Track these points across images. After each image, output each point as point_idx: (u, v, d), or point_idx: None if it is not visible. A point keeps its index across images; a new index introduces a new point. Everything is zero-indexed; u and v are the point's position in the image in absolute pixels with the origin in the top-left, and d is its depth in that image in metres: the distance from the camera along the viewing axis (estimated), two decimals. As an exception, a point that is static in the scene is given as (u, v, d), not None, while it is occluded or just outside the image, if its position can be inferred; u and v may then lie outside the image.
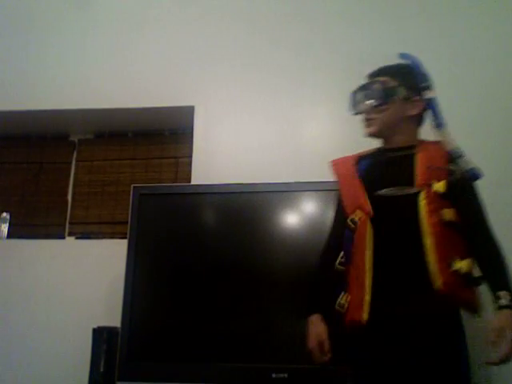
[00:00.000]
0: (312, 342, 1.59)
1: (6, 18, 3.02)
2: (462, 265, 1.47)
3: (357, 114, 1.72)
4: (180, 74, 2.77)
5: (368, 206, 1.59)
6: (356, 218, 1.60)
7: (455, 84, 2.50)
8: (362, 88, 1.69)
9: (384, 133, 1.69)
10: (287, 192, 2.12)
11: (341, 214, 1.68)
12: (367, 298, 1.51)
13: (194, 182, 2.57)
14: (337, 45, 2.69)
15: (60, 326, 2.52)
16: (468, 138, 2.37)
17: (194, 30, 2.84)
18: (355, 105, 1.71)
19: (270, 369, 1.94)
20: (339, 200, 1.72)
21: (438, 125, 1.68)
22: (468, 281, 1.49)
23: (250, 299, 2.09)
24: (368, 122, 1.69)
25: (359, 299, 1.53)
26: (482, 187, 2.24)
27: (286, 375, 1.92)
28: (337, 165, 1.78)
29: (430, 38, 2.63)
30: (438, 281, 1.45)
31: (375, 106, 1.66)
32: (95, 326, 2.15)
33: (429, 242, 1.49)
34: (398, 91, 1.65)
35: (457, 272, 1.46)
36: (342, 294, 1.59)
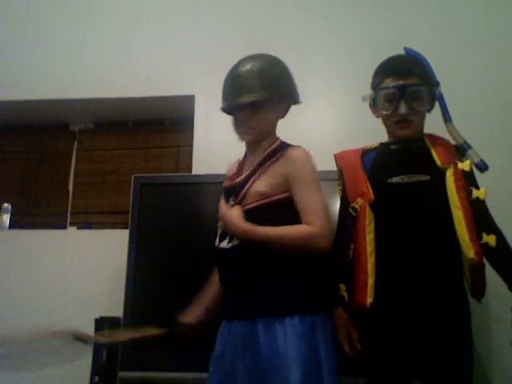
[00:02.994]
0: (341, 336, 1.60)
1: (5, 8, 3.00)
2: (489, 239, 1.52)
3: (390, 114, 1.66)
4: (180, 63, 2.75)
5: (370, 194, 1.61)
6: (357, 206, 1.62)
7: (458, 73, 2.48)
8: (402, 89, 1.62)
9: (415, 134, 1.69)
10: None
11: (345, 205, 1.69)
12: (370, 281, 1.54)
13: (194, 171, 2.57)
14: (338, 34, 2.68)
15: (62, 315, 2.52)
16: (469, 128, 2.39)
17: (195, 18, 2.82)
18: (397, 106, 1.63)
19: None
20: (343, 192, 1.73)
21: (447, 119, 1.73)
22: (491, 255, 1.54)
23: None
24: (406, 123, 1.65)
25: (363, 283, 1.55)
26: (484, 177, 2.25)
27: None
28: (341, 158, 1.79)
29: (433, 26, 2.60)
30: (471, 251, 1.48)
31: (424, 111, 1.67)
32: (97, 316, 2.16)
33: (459, 214, 1.52)
34: (435, 93, 1.68)
35: (486, 245, 1.51)
36: (340, 285, 1.62)
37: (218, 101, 2.67)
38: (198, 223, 2.25)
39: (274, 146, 1.66)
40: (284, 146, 1.66)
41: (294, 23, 2.72)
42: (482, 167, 1.65)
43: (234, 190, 1.65)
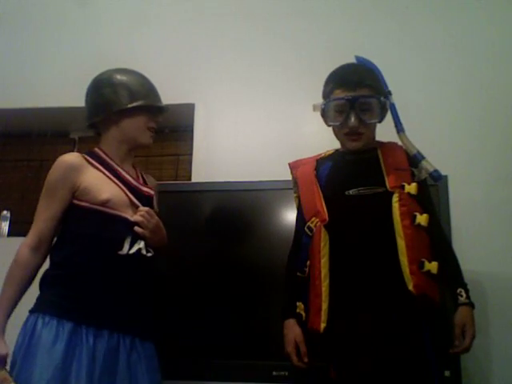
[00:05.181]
0: (289, 346, 1.61)
1: (6, 15, 3.01)
2: (431, 266, 1.50)
3: (340, 126, 1.66)
4: (180, 72, 2.76)
5: (324, 214, 1.60)
6: (312, 226, 1.61)
7: (457, 80, 2.50)
8: (352, 101, 1.61)
9: (367, 145, 1.68)
10: (287, 189, 2.12)
11: (301, 219, 1.69)
12: (324, 306, 1.53)
13: (194, 179, 2.57)
14: (335, 41, 2.68)
15: (61, 323, 2.52)
16: (469, 135, 2.40)
17: (194, 27, 2.83)
18: (347, 118, 1.61)
19: (270, 366, 1.95)
20: (299, 204, 1.73)
21: (400, 129, 1.69)
22: (435, 280, 1.53)
23: (250, 297, 2.09)
24: (356, 136, 1.65)
25: (317, 308, 1.54)
26: (480, 182, 2.26)
27: (286, 373, 1.92)
28: (296, 168, 1.78)
29: (432, 36, 2.61)
30: (410, 284, 1.48)
31: (374, 123, 1.66)
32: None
33: (402, 243, 1.51)
34: (386, 104, 1.66)
35: (428, 272, 1.50)
36: (298, 303, 1.63)
37: (217, 109, 2.70)
38: (197, 231, 2.25)
39: None
40: None
41: (293, 33, 2.73)
42: (436, 177, 1.62)
43: (148, 200, 1.76)
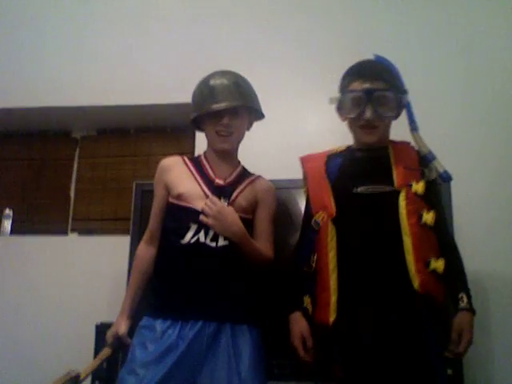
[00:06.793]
0: (295, 340, 1.60)
1: (6, 15, 3.02)
2: (438, 265, 1.50)
3: (355, 118, 1.64)
4: (182, 70, 2.76)
5: (332, 208, 1.60)
6: (319, 220, 1.61)
7: (460, 76, 2.51)
8: (369, 93, 1.60)
9: (380, 141, 1.67)
10: (290, 189, 2.12)
11: (309, 213, 1.68)
12: (333, 299, 1.53)
13: (196, 178, 2.57)
14: (339, 36, 2.69)
15: (63, 321, 2.53)
16: (472, 135, 2.41)
17: (196, 25, 2.83)
18: (363, 110, 1.60)
19: (272, 365, 1.94)
20: (307, 199, 1.73)
21: (413, 128, 1.68)
22: (440, 279, 1.52)
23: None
24: (372, 130, 1.63)
25: (325, 301, 1.54)
26: (483, 183, 2.26)
27: (288, 370, 1.92)
28: (307, 162, 1.77)
29: (434, 28, 2.62)
30: (416, 282, 1.48)
31: (390, 117, 1.65)
32: (98, 322, 2.15)
33: (408, 241, 1.51)
34: (402, 101, 1.65)
35: (434, 271, 1.50)
36: (305, 297, 1.62)
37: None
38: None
39: (241, 167, 1.82)
40: (248, 171, 1.84)
41: (295, 29, 2.73)
42: (446, 178, 1.61)
43: (221, 191, 1.70)
